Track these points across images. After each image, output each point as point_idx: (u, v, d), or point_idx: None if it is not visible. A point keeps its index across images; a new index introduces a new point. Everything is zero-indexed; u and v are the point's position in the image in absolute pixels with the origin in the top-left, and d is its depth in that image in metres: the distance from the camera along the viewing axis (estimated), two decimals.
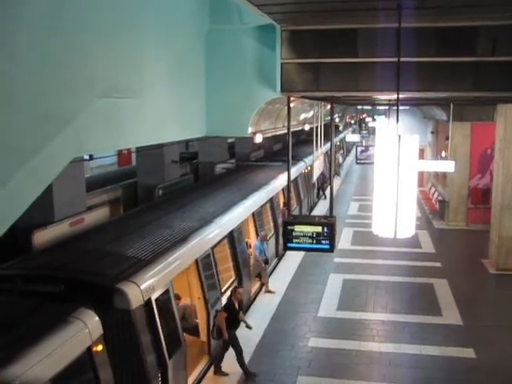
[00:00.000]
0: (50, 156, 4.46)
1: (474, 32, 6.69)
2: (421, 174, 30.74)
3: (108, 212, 13.14)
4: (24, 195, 4.20)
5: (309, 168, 25.09)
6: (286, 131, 10.79)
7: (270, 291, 15.51)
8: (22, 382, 5.66)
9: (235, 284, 13.27)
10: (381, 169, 6.32)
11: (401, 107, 6.55)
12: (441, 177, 27.93)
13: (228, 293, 12.99)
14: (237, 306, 11.49)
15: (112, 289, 8.14)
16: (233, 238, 13.60)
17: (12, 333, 6.26)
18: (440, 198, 26.78)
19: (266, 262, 15.47)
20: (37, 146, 4.27)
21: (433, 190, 30.17)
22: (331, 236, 10.58)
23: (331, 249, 10.69)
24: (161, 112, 7.09)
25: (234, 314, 11.29)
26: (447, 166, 18.39)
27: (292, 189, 20.25)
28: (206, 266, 11.48)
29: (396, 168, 6.16)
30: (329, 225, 10.42)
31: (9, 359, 5.77)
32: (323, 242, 10.63)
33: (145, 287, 8.59)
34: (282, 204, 20.11)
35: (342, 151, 43.73)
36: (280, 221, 18.36)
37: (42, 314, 6.89)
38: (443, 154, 25.40)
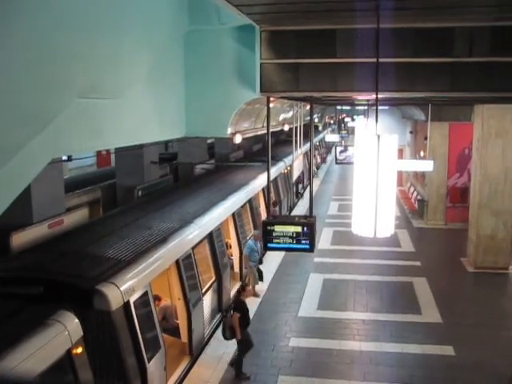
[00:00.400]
0: (30, 156, 4.43)
1: (451, 33, 6.75)
2: (400, 174, 30.95)
3: (87, 213, 13.06)
4: (2, 196, 4.16)
5: (288, 168, 25.14)
6: (265, 131, 10.81)
7: (255, 295, 15.35)
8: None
9: (241, 282, 13.30)
10: (360, 168, 6.35)
11: (380, 107, 6.59)
12: (420, 176, 28.15)
13: (209, 293, 13.00)
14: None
15: (92, 290, 8.09)
16: (213, 239, 13.58)
17: None
18: (419, 197, 26.98)
19: (260, 261, 15.10)
20: (16, 145, 4.23)
21: (412, 189, 30.39)
22: (311, 236, 10.60)
23: (311, 248, 10.72)
24: (140, 113, 7.07)
25: (245, 313, 11.32)
26: (426, 166, 18.54)
27: (272, 189, 20.30)
28: (186, 266, 11.45)
29: (375, 168, 6.20)
30: (309, 224, 10.44)
31: None
32: (303, 241, 10.65)
33: (125, 288, 8.55)
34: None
35: (316, 155, 43.65)
36: (259, 222, 18.38)
37: (21, 316, 6.82)
38: (422, 153, 25.62)
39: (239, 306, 11.34)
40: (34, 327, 6.51)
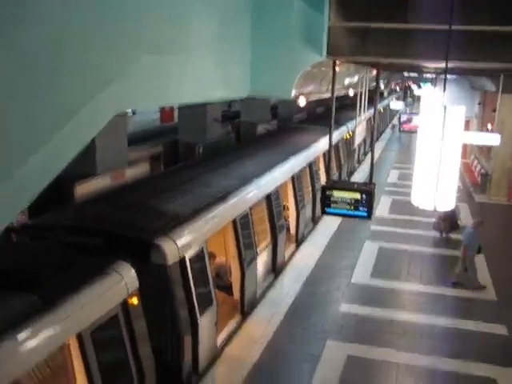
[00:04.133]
0: (95, 110, 4.51)
1: None
2: (464, 146, 30.11)
3: (148, 168, 13.27)
4: (68, 148, 4.26)
5: (351, 133, 24.85)
6: (329, 95, 10.69)
7: (480, 287, 13.73)
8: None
9: None
10: (424, 139, 6.23)
11: (448, 76, 6.39)
12: (485, 149, 27.36)
13: (264, 253, 13.10)
14: None
15: (150, 244, 8.28)
16: (271, 200, 13.62)
17: (52, 282, 6.43)
18: (482, 171, 26.28)
19: (479, 250, 14.12)
20: (83, 100, 4.31)
21: (475, 162, 29.60)
22: (369, 203, 10.53)
23: (369, 216, 10.66)
24: (205, 71, 7.07)
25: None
26: (493, 140, 17.98)
27: (333, 153, 20.16)
28: (243, 225, 11.55)
29: (440, 140, 6.06)
30: (368, 192, 10.36)
31: (49, 305, 5.94)
32: (361, 208, 10.60)
33: (181, 244, 8.71)
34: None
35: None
36: (318, 186, 18.31)
37: (81, 264, 7.04)
38: (489, 126, 24.84)
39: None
40: (93, 276, 6.74)
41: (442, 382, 9.65)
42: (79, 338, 6.19)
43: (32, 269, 6.72)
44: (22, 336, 5.37)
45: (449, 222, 17.14)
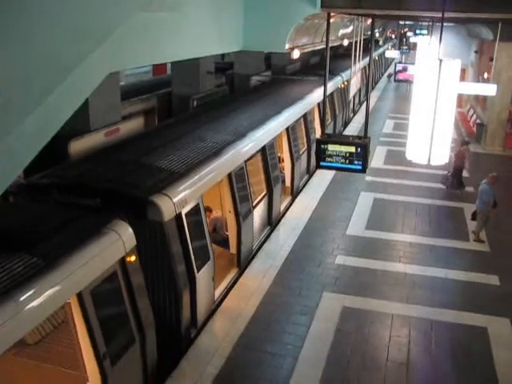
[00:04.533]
0: (88, 70, 4.46)
1: None
2: (460, 95, 30.00)
3: (143, 122, 13.19)
4: (64, 108, 4.24)
5: (345, 83, 24.65)
6: (324, 47, 10.58)
7: (479, 240, 13.88)
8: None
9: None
10: (419, 93, 6.19)
11: (445, 24, 6.29)
12: (481, 99, 27.24)
13: (260, 206, 13.14)
14: None
15: (146, 201, 8.31)
16: (266, 153, 13.59)
17: (50, 243, 6.47)
18: (478, 120, 26.21)
19: (495, 204, 14.01)
20: (75, 59, 4.26)
21: (471, 111, 29.50)
22: (364, 157, 10.55)
23: (363, 169, 10.69)
24: (198, 26, 6.98)
25: None
26: (489, 90, 17.85)
27: (327, 106, 20.07)
28: (238, 179, 11.56)
29: (434, 94, 6.03)
30: (362, 145, 10.37)
31: (48, 266, 6.00)
32: (356, 162, 10.63)
33: (177, 200, 8.74)
34: None
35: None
36: (313, 137, 18.27)
37: (78, 224, 7.07)
38: (486, 75, 24.66)
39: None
40: (90, 235, 6.77)
41: (434, 331, 9.84)
42: (79, 296, 6.27)
43: (30, 230, 6.75)
44: (24, 298, 5.43)
45: (458, 178, 17.20)
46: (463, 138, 23.26)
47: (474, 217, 14.23)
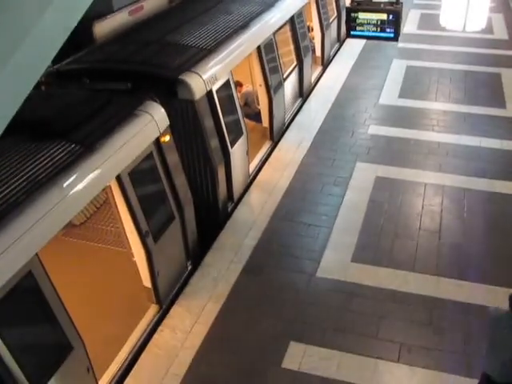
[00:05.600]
0: None
1: None
2: None
3: None
4: None
5: None
6: None
7: None
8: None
9: None
10: None
11: None
12: None
13: (290, 78, 12.96)
14: None
15: (175, 80, 8.27)
16: (294, 22, 13.20)
17: (86, 128, 6.56)
18: None
19: None
20: None
21: None
22: (397, 24, 10.27)
23: (396, 38, 10.44)
24: None
25: None
26: None
27: None
28: (267, 52, 11.33)
29: None
30: (394, 12, 10.05)
31: (87, 151, 6.15)
32: (388, 30, 10.37)
33: (207, 77, 8.68)
34: None
35: None
36: (343, 3, 17.60)
37: (111, 108, 7.12)
38: None
39: None
40: (123, 118, 6.84)
41: (467, 199, 9.93)
42: (119, 179, 6.45)
43: (65, 117, 6.83)
44: (67, 183, 5.62)
45: None
46: None
47: None
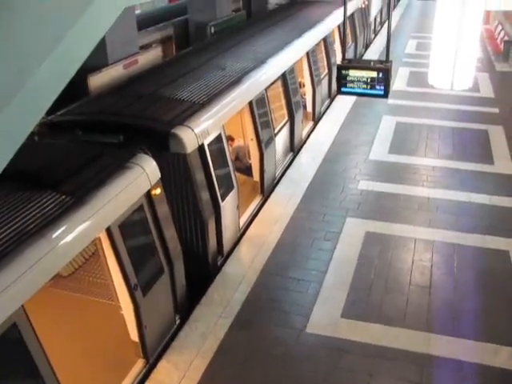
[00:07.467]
0: (106, 5, 4.39)
1: None
2: (487, 11, 28.97)
3: (160, 52, 13.06)
4: (81, 47, 4.20)
5: (366, 2, 23.98)
6: None
7: None
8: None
9: None
10: (442, 12, 6.07)
11: None
12: (510, 14, 26.28)
13: (282, 133, 13.11)
14: None
15: (168, 134, 8.34)
16: (286, 78, 13.43)
17: (76, 179, 6.56)
18: (506, 38, 25.38)
19: None
20: None
21: (499, 28, 28.53)
22: (386, 81, 10.41)
23: (386, 95, 10.57)
24: None
25: None
26: None
27: (348, 26, 19.58)
28: (259, 107, 11.49)
29: (459, 14, 5.91)
30: (384, 70, 10.21)
31: (77, 203, 6.13)
32: (378, 87, 10.50)
33: (199, 131, 8.76)
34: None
35: None
36: (334, 60, 17.97)
37: (103, 161, 7.14)
38: None
39: None
40: (115, 171, 6.85)
41: (457, 255, 9.93)
42: (108, 231, 6.42)
43: (56, 168, 6.85)
44: (55, 235, 5.58)
45: None
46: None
47: None
